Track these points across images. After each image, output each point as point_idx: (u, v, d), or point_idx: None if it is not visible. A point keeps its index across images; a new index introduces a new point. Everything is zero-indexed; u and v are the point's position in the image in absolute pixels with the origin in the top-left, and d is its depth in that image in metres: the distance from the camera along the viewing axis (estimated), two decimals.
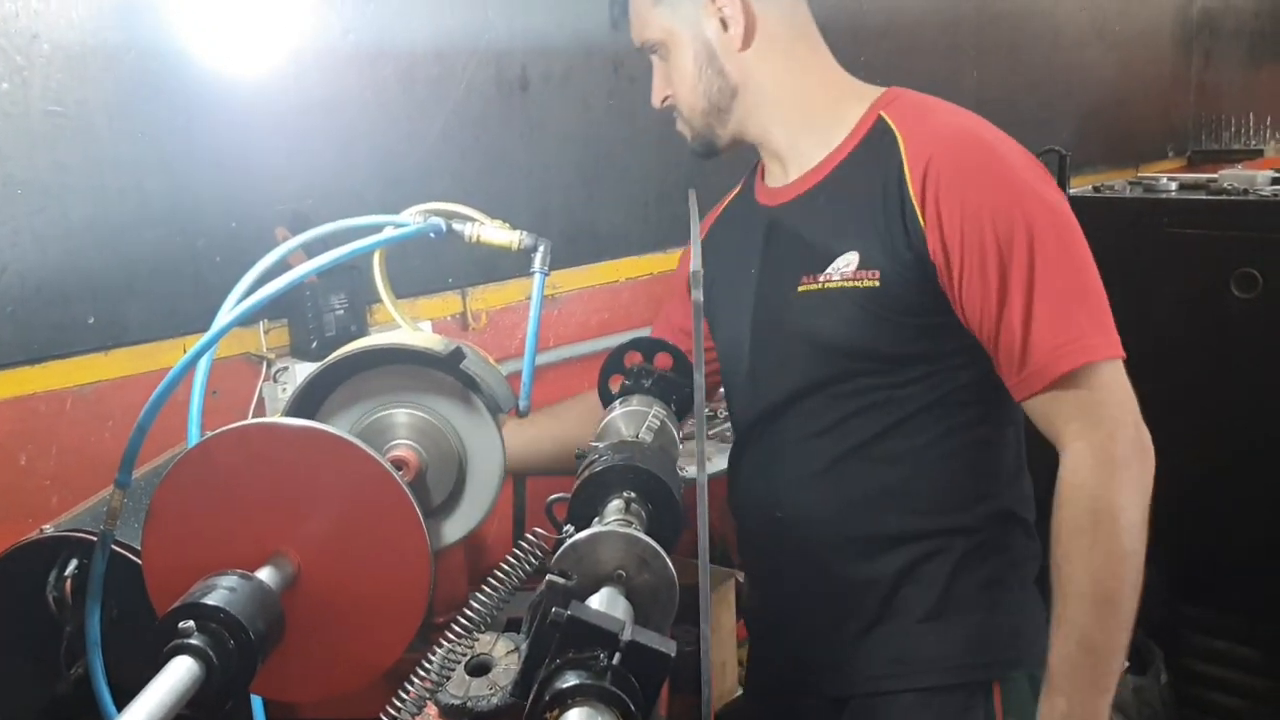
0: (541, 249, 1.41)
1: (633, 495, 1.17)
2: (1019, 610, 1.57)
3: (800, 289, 1.55)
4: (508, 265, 2.50)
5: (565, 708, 0.83)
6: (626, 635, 0.86)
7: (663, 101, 1.65)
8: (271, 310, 1.21)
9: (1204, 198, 2.77)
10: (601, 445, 1.31)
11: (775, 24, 1.57)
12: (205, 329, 2.01)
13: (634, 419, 1.43)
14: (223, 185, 2.10)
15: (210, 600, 0.92)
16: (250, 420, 1.12)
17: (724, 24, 1.55)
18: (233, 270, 2.00)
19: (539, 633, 0.92)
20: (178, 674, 0.88)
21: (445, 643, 1.12)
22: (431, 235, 1.37)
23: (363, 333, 2.21)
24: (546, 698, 0.83)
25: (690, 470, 1.27)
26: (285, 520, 1.05)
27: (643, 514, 1.15)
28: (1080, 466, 1.38)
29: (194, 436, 1.18)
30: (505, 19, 2.53)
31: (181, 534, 1.05)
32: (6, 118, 1.81)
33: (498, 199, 2.58)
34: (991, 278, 1.40)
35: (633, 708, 0.83)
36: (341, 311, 2.15)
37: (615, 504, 1.16)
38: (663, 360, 1.61)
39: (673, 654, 0.87)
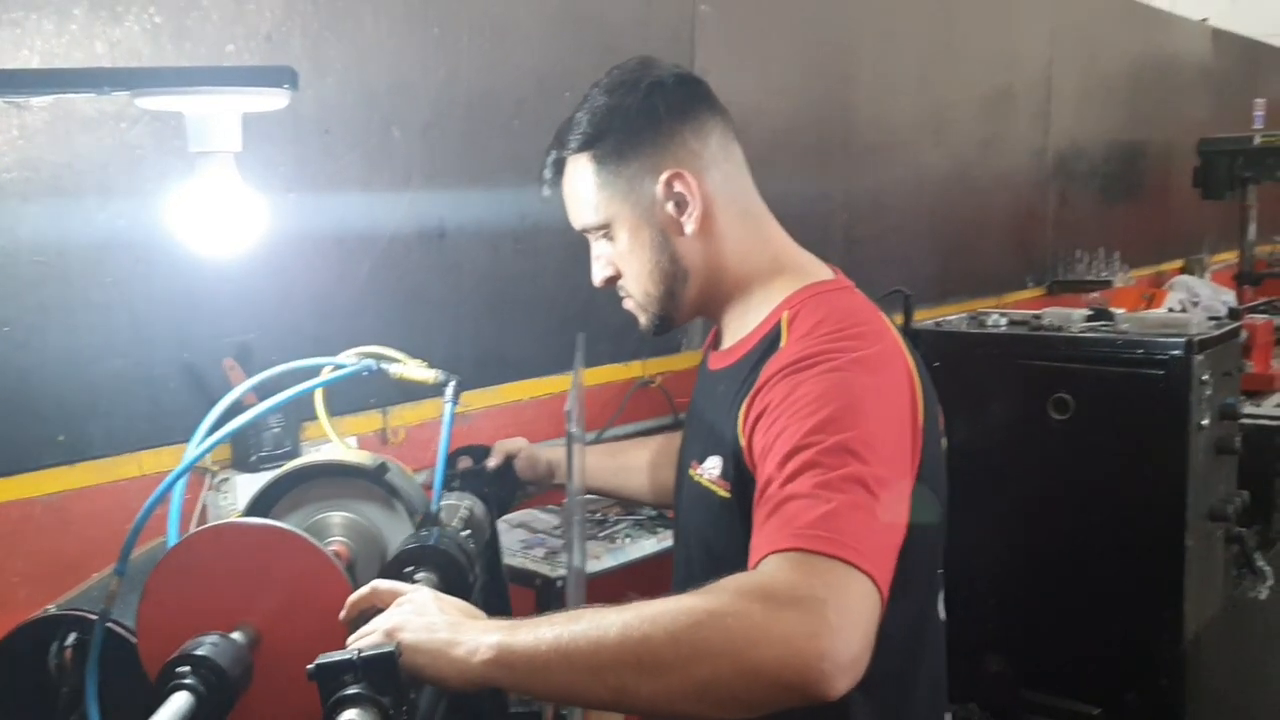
0: (452, 384, 1.73)
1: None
2: None
3: (690, 472, 1.54)
4: (424, 388, 2.80)
5: None
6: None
7: (605, 282, 1.60)
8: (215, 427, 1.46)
9: (1025, 333, 3.16)
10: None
11: (724, 203, 1.52)
12: (159, 445, 2.33)
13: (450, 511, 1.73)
14: (177, 321, 2.36)
15: (199, 651, 1.22)
16: (224, 520, 1.44)
17: (678, 208, 1.50)
18: (186, 394, 2.35)
19: None
20: (176, 705, 1.17)
21: None
22: (365, 374, 1.68)
23: (295, 447, 2.49)
24: None
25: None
26: (250, 597, 1.32)
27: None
28: (769, 570, 1.17)
29: (173, 537, 1.47)
30: (425, 178, 2.84)
31: (169, 607, 1.30)
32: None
33: (417, 329, 2.87)
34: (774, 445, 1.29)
35: None
36: (278, 429, 2.43)
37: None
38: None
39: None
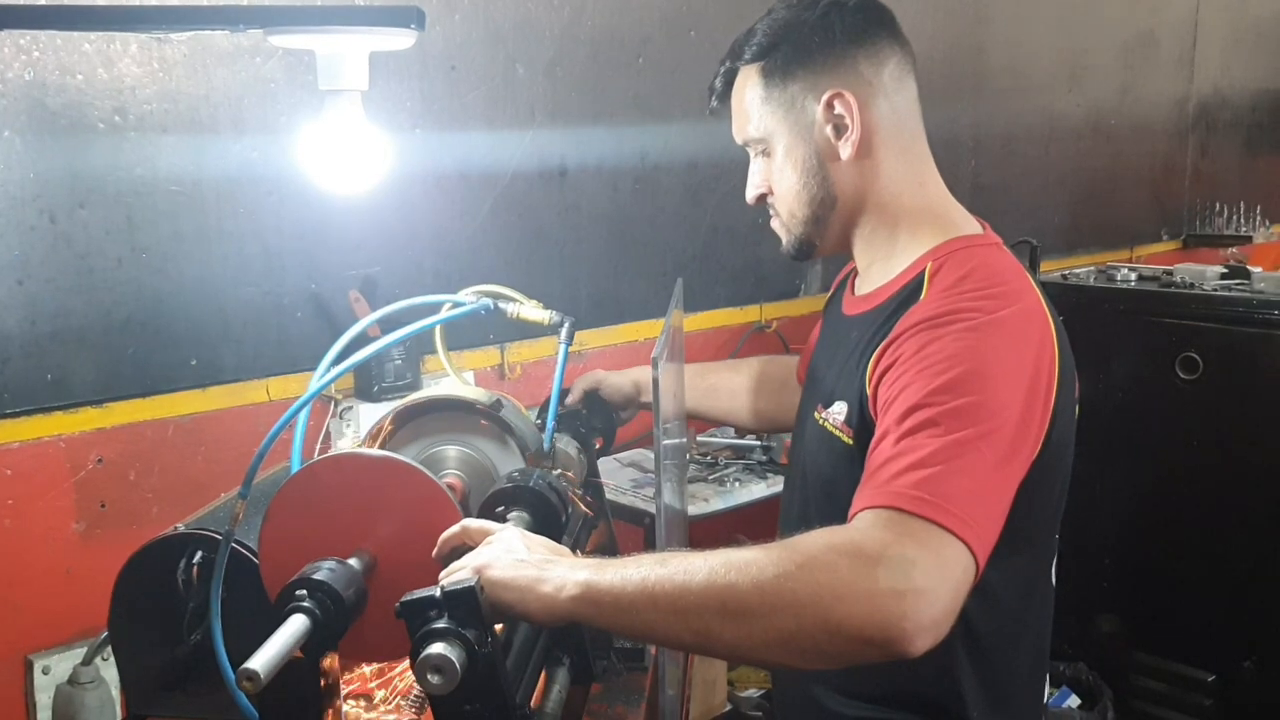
0: (567, 325, 1.75)
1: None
2: None
3: (814, 415, 1.51)
4: (541, 326, 2.84)
5: None
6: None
7: (757, 200, 1.57)
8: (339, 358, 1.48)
9: (1154, 289, 3.07)
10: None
11: (886, 136, 1.48)
12: (285, 372, 2.39)
13: None
14: (305, 253, 2.42)
15: (317, 576, 1.27)
16: (344, 450, 1.48)
17: (836, 131, 1.46)
18: (312, 324, 2.40)
19: None
20: (293, 626, 1.22)
21: None
22: (482, 313, 1.70)
23: (416, 380, 2.54)
24: None
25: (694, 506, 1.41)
26: (367, 524, 1.37)
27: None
28: (862, 526, 1.17)
29: (296, 463, 1.52)
30: (548, 115, 2.86)
31: (289, 532, 1.36)
32: (138, 195, 2.19)
33: (536, 267, 2.90)
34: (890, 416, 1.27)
35: None
36: (399, 361, 2.50)
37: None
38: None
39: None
